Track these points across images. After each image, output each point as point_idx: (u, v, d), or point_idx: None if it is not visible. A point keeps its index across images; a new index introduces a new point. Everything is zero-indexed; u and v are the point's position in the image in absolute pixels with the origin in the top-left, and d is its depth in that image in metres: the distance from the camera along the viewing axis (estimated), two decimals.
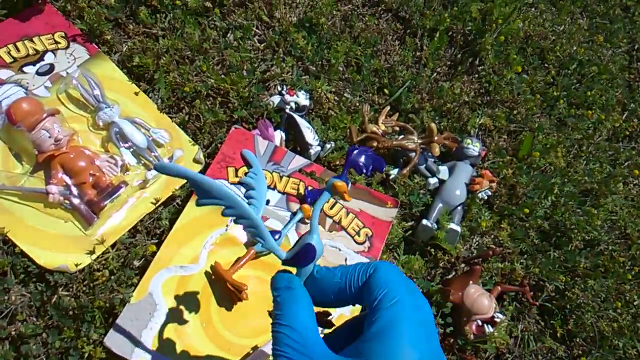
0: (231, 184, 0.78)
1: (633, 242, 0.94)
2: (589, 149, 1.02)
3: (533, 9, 1.16)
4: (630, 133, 1.10)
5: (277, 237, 0.73)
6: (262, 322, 0.69)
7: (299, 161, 0.82)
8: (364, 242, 0.79)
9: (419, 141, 0.88)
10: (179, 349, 0.65)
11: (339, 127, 0.90)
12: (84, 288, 0.68)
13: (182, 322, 0.67)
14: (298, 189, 0.80)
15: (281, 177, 0.80)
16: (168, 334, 0.66)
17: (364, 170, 0.41)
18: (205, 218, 0.74)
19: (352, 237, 0.79)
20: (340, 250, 0.77)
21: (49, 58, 0.80)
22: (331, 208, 0.80)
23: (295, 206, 0.79)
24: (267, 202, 0.78)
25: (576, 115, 1.05)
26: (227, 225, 0.75)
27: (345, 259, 0.76)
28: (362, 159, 0.41)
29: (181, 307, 0.68)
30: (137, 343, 0.64)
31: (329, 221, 0.79)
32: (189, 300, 0.69)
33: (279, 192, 0.79)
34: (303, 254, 0.40)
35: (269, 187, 0.79)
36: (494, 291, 0.81)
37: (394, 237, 0.82)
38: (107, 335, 0.64)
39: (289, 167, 0.81)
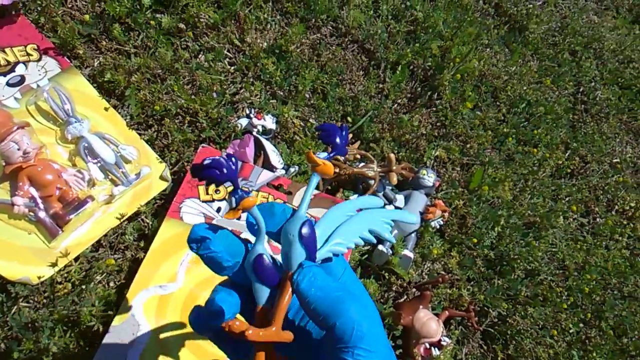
0: (203, 202, 0.80)
1: (570, 273, 1.01)
2: (533, 184, 1.10)
3: (488, 50, 1.24)
4: (572, 170, 1.19)
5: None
6: None
7: (266, 175, 0.85)
8: None
9: (378, 170, 0.93)
10: None
11: (303, 151, 0.94)
12: (45, 300, 0.68)
13: (165, 339, 0.69)
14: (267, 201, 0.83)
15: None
16: (153, 352, 0.68)
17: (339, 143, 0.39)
18: (181, 237, 0.76)
19: None
20: None
21: (20, 69, 0.80)
22: None
23: None
24: (239, 217, 0.80)
25: (523, 152, 1.12)
26: None
27: None
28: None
29: (163, 325, 0.70)
30: None
31: None
32: (171, 318, 0.71)
33: None
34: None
35: None
36: (442, 315, 0.86)
37: (351, 261, 0.86)
38: (93, 358, 0.66)
39: (257, 181, 0.84)
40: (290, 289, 0.36)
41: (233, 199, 0.36)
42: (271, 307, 0.36)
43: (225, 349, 0.40)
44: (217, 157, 0.34)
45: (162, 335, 0.69)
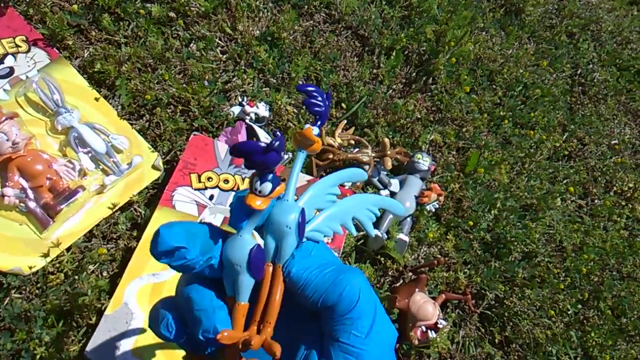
0: (195, 190, 0.79)
1: (567, 254, 1.00)
2: (530, 166, 1.09)
3: (484, 33, 1.23)
4: (569, 153, 1.18)
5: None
6: None
7: None
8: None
9: (373, 155, 0.92)
10: (157, 355, 0.68)
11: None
12: (37, 291, 0.68)
13: None
14: None
15: (243, 179, 0.82)
16: (146, 341, 0.68)
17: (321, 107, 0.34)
18: None
19: None
20: None
21: (9, 61, 0.80)
22: None
23: None
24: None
25: (520, 135, 1.11)
26: None
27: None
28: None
29: None
30: (117, 352, 0.66)
31: None
32: None
33: None
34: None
35: (232, 190, 0.81)
36: (439, 299, 0.85)
37: (347, 246, 0.85)
38: (87, 347, 0.66)
39: None
40: (281, 283, 0.32)
41: (268, 185, 0.30)
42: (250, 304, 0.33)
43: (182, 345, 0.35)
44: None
45: None
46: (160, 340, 0.67)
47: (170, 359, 0.68)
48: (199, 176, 0.81)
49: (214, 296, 0.33)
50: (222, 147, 0.84)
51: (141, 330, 0.68)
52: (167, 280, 0.72)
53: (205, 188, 0.80)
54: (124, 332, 0.68)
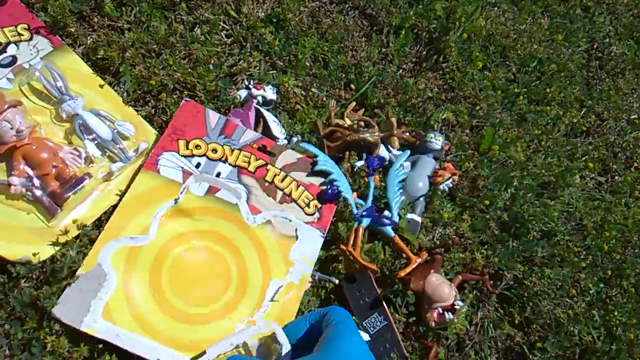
0: (182, 156, 0.78)
1: (588, 232, 0.97)
2: (547, 143, 1.06)
3: (495, 9, 1.20)
4: (588, 128, 1.14)
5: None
6: (212, 290, 0.71)
7: (249, 135, 0.83)
8: (313, 214, 0.81)
9: (380, 135, 0.90)
10: (129, 318, 0.66)
11: (305, 121, 0.91)
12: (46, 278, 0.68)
13: (132, 291, 0.68)
14: (249, 162, 0.81)
15: (232, 150, 0.81)
16: (118, 304, 0.66)
17: None
18: (155, 190, 0.75)
19: (302, 209, 0.80)
20: (290, 221, 0.79)
21: (11, 50, 0.79)
22: (282, 181, 0.81)
23: (246, 179, 0.80)
24: (218, 174, 0.79)
25: (536, 111, 1.08)
26: (176, 198, 0.75)
27: (296, 229, 0.79)
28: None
29: (131, 277, 0.69)
30: (87, 313, 0.64)
31: (279, 193, 0.80)
32: (140, 270, 0.69)
33: (230, 164, 0.80)
34: None
35: (219, 160, 0.80)
36: (456, 280, 0.83)
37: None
38: (55, 306, 0.64)
39: (240, 140, 0.82)
40: None
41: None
42: None
43: None
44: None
45: (128, 287, 0.68)
46: (133, 305, 0.67)
47: (140, 322, 0.66)
48: (187, 143, 0.79)
49: None
50: (213, 115, 0.82)
51: (114, 293, 0.66)
52: (145, 245, 0.71)
53: (193, 155, 0.78)
54: (95, 293, 0.66)
